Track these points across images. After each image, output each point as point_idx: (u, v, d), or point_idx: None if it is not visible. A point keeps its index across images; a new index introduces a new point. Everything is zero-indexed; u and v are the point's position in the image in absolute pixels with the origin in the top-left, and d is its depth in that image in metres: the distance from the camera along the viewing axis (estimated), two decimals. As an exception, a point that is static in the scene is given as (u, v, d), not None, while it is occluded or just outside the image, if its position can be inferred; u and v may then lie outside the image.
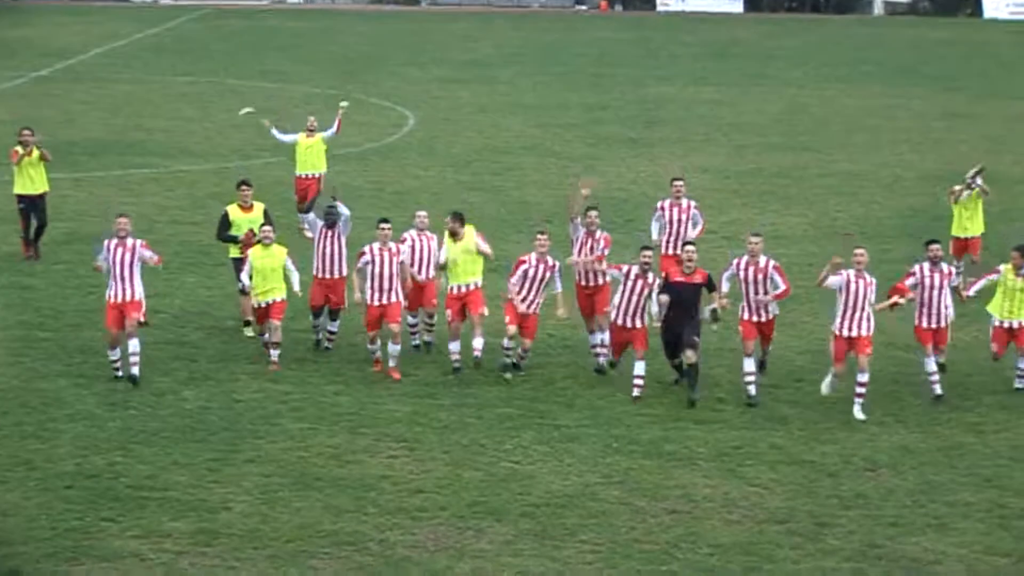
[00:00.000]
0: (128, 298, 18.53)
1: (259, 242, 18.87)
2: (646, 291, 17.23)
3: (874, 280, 17.71)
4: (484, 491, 15.14)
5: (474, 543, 13.68)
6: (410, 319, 19.94)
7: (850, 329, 17.18)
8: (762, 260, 17.26)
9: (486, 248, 19.27)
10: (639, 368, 17.42)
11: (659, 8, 74.30)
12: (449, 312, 18.50)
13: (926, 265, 18.21)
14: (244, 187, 21.66)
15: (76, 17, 68.97)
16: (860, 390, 17.16)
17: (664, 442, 16.20)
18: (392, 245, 18.81)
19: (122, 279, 18.65)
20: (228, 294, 22.88)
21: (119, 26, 64.91)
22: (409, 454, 16.30)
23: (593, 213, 18.67)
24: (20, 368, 19.27)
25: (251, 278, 19.03)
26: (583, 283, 18.51)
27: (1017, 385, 18.30)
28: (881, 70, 53.27)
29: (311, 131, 27.02)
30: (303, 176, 26.50)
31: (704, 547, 13.34)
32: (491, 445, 16.56)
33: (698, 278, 17.18)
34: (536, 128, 40.33)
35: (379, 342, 18.62)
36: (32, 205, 23.25)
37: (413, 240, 19.63)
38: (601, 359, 18.41)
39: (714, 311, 16.09)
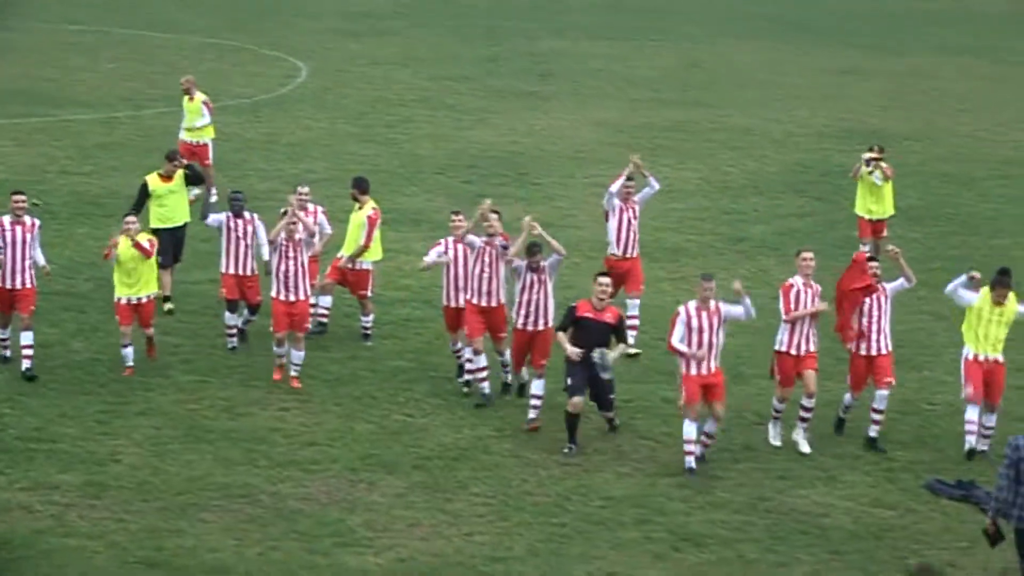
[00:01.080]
0: (20, 285, 17.72)
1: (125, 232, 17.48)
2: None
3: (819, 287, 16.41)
4: (376, 444, 15.38)
5: (366, 495, 14.00)
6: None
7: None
8: (713, 304, 14.87)
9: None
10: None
11: None
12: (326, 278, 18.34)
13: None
14: (172, 160, 21.37)
15: (-45, -35, 66.60)
16: (804, 414, 15.53)
17: (556, 395, 15.92)
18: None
19: (14, 264, 17.79)
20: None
21: (4, -27, 63.31)
22: (301, 407, 16.40)
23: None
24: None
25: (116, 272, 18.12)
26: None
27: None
28: (774, 25, 53.57)
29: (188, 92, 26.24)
30: (187, 143, 25.87)
31: (596, 499, 13.70)
32: (383, 398, 16.70)
33: (608, 317, 15.35)
34: (428, 81, 40.27)
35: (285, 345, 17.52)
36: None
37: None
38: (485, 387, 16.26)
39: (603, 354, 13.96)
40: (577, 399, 14.55)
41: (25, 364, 16.94)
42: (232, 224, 18.45)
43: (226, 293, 18.56)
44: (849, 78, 42.88)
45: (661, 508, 12.64)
